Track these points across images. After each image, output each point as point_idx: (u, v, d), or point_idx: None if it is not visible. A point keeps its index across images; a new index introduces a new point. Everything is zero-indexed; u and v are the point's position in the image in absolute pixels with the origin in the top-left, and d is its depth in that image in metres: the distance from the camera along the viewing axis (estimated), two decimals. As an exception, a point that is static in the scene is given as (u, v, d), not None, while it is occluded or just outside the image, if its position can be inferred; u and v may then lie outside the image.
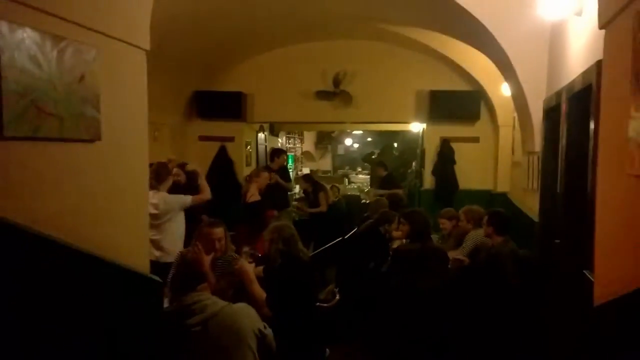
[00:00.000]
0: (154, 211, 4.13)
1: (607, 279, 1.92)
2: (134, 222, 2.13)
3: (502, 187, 6.43)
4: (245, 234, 5.40)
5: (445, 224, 4.89)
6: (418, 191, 7.42)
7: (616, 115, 1.89)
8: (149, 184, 4.06)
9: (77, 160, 1.78)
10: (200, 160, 7.17)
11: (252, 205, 5.58)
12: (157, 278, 2.19)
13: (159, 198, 4.07)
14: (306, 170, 11.49)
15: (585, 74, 2.47)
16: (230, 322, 2.29)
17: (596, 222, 2.02)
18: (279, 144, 10.45)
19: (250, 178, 6.00)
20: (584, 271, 2.23)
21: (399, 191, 6.74)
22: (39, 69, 1.51)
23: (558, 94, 3.22)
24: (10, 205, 1.46)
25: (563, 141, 3.02)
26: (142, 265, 2.14)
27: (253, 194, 5.63)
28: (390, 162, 9.10)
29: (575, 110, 2.73)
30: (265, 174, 5.93)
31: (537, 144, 4.02)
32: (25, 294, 1.52)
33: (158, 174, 4.13)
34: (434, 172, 6.98)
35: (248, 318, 2.38)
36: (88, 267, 1.79)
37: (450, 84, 6.68)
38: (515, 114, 5.09)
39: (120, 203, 2.02)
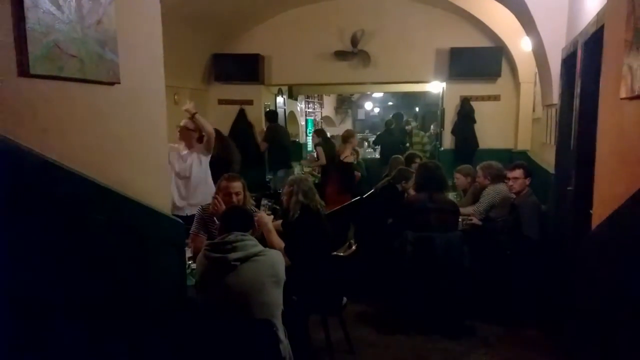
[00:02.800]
0: (187, 171, 4.34)
1: (603, 202, 2.03)
2: (153, 164, 2.25)
3: (523, 145, 6.37)
4: (335, 190, 5.92)
5: (460, 180, 4.92)
6: (437, 151, 7.41)
7: (615, 49, 1.95)
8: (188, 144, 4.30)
9: (98, 102, 1.89)
10: (220, 124, 7.28)
11: (347, 165, 6.16)
12: (179, 219, 2.32)
13: (194, 158, 4.37)
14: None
15: (599, 15, 2.43)
16: (269, 264, 2.49)
17: (596, 150, 2.09)
18: (298, 108, 10.48)
19: (345, 139, 6.41)
20: (590, 210, 2.31)
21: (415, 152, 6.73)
22: (59, 10, 1.60)
23: (574, 42, 3.16)
24: (39, 140, 1.57)
25: (577, 90, 2.99)
26: (163, 205, 2.27)
27: (347, 155, 6.22)
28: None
29: (590, 55, 2.70)
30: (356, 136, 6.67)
31: (555, 95, 3.97)
32: (50, 225, 1.65)
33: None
34: (453, 132, 6.94)
35: (282, 264, 2.58)
36: (113, 203, 1.92)
37: (471, 40, 6.56)
38: (537, 70, 5.01)
39: (140, 145, 2.13)
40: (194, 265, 2.99)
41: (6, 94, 1.49)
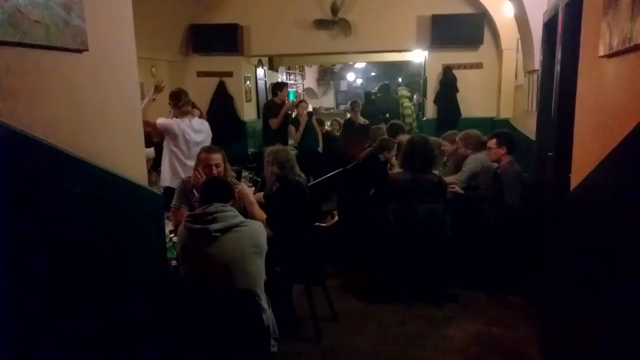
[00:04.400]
0: (199, 138, 4.32)
1: (581, 164, 2.06)
2: (127, 134, 2.19)
3: (505, 112, 6.39)
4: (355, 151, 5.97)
5: (447, 147, 4.92)
6: (420, 121, 7.39)
7: (595, 8, 1.97)
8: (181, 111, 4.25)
9: (66, 70, 1.81)
10: (199, 97, 7.16)
11: (365, 128, 6.65)
12: (156, 190, 2.28)
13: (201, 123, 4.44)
14: (309, 108, 11.40)
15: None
16: (250, 235, 2.48)
17: (575, 112, 2.11)
18: (279, 80, 10.32)
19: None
20: (569, 174, 2.33)
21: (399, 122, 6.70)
22: (19, -27, 1.51)
23: (556, 5, 3.13)
24: (6, 110, 1.50)
25: (558, 55, 2.98)
26: (138, 177, 2.22)
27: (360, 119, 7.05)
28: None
29: (571, 18, 2.67)
30: None
31: (537, 61, 3.96)
32: (21, 199, 1.60)
33: (180, 98, 4.34)
34: (436, 101, 6.92)
35: (263, 235, 2.57)
36: (87, 175, 1.86)
37: (453, 7, 6.46)
38: (519, 36, 4.97)
39: (112, 114, 2.06)
40: (175, 239, 2.96)
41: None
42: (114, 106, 2.07)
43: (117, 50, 2.10)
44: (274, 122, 6.48)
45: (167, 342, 2.36)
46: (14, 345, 1.58)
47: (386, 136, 5.26)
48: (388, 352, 3.15)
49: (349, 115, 8.37)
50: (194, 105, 4.94)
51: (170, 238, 3.02)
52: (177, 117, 4.33)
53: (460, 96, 6.71)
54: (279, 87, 6.89)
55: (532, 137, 4.33)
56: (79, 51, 1.83)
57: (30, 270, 1.63)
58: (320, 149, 6.82)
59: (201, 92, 7.10)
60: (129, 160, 2.17)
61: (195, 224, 2.45)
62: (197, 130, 4.41)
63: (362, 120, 7.21)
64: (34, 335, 1.65)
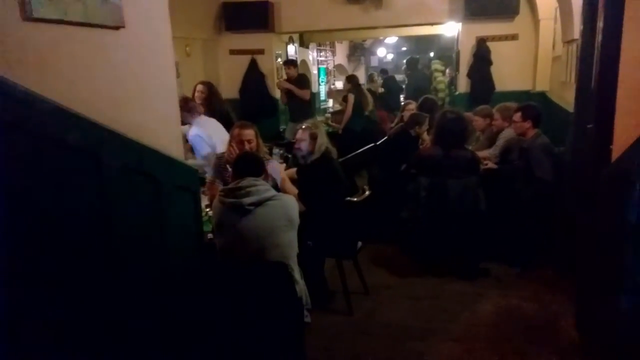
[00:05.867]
0: None
1: (624, 135, 1.99)
2: (164, 110, 2.25)
3: (541, 85, 6.17)
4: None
5: (479, 122, 4.82)
6: (452, 96, 7.24)
7: None
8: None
9: (105, 47, 1.87)
10: (232, 75, 7.23)
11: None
12: (192, 166, 2.35)
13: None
14: (339, 84, 11.32)
15: None
16: (282, 208, 2.54)
17: (619, 80, 2.03)
18: (310, 57, 10.26)
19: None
20: (611, 146, 2.26)
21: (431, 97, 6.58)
22: (58, -48, 1.56)
23: (599, -31, 2.97)
24: (48, 87, 1.57)
25: (600, 23, 2.84)
26: (175, 152, 2.29)
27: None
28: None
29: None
30: None
31: (577, 30, 3.79)
32: (64, 173, 1.68)
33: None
34: (469, 75, 6.74)
35: (295, 208, 2.62)
36: (127, 150, 1.94)
37: (488, -24, 6.22)
38: (557, 4, 4.77)
39: (149, 90, 2.12)
40: (211, 213, 3.05)
41: (12, 39, 1.48)
42: (150, 82, 2.13)
43: (153, 27, 2.14)
44: (306, 93, 6.49)
45: (203, 312, 2.45)
46: (57, 309, 1.69)
47: (417, 112, 5.19)
48: (419, 326, 3.18)
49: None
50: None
51: (206, 212, 3.11)
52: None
53: (494, 69, 6.51)
54: (285, 64, 6.85)
55: (570, 109, 4.19)
56: (116, 28, 1.88)
57: (74, 242, 1.72)
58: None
59: (233, 70, 7.16)
60: (165, 136, 2.23)
61: (229, 197, 2.52)
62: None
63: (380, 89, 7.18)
64: (77, 301, 1.75)
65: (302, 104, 6.51)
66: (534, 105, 4.15)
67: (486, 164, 4.25)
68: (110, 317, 1.87)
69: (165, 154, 2.17)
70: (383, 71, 9.00)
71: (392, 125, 5.72)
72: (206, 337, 2.45)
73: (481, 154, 4.41)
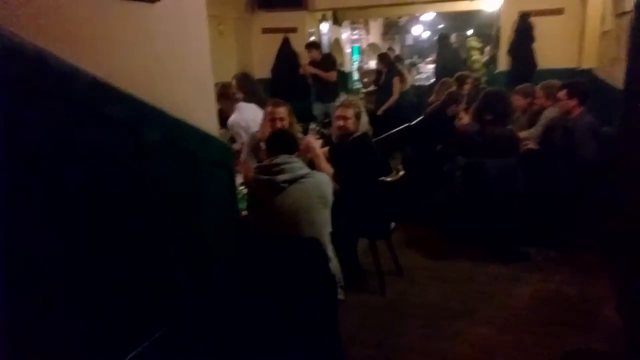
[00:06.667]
0: None
1: None
2: (199, 85, 2.25)
3: (588, 62, 5.87)
4: None
5: (519, 101, 4.65)
6: (491, 74, 7.00)
7: None
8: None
9: (141, 20, 1.87)
10: (264, 54, 7.20)
11: None
12: (227, 142, 2.35)
13: None
14: (372, 64, 11.13)
15: None
16: (315, 185, 2.52)
17: None
18: (343, 36, 10.11)
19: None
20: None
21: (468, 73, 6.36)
22: None
23: None
24: (88, 60, 1.59)
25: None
26: (211, 128, 2.30)
27: None
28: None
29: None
30: None
31: (630, 1, 3.56)
32: (104, 148, 1.70)
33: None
34: (510, 52, 6.49)
35: (328, 186, 2.60)
36: (164, 124, 1.95)
37: (532, -53, 5.94)
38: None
39: (185, 66, 2.12)
40: (245, 191, 3.07)
41: (49, 11, 1.50)
42: (185, 57, 2.13)
43: (187, 1, 2.14)
44: (332, 75, 6.40)
45: (237, 289, 2.48)
46: (96, 278, 1.73)
47: (454, 90, 5.05)
48: (453, 307, 3.14)
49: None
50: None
51: (240, 190, 3.13)
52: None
53: (536, 46, 6.24)
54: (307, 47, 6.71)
55: (619, 87, 3.97)
56: (152, 1, 1.88)
57: (114, 213, 1.75)
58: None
59: (266, 50, 7.13)
60: (200, 111, 2.24)
61: (263, 174, 2.52)
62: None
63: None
64: (116, 271, 1.79)
65: (328, 85, 6.45)
66: (581, 82, 3.97)
67: (526, 144, 4.10)
68: (146, 287, 1.92)
69: (201, 129, 2.18)
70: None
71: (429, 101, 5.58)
72: (241, 312, 2.48)
73: (522, 134, 4.26)
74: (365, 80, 8.60)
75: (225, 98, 4.06)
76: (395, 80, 6.52)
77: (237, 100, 4.16)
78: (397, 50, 14.51)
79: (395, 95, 6.53)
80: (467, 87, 5.29)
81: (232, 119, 4.08)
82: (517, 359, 2.61)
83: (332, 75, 6.40)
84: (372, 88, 7.93)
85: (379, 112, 6.54)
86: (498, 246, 3.83)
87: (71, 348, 1.68)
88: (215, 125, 2.42)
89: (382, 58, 6.96)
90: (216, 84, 2.99)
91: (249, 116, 4.05)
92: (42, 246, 1.52)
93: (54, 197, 1.52)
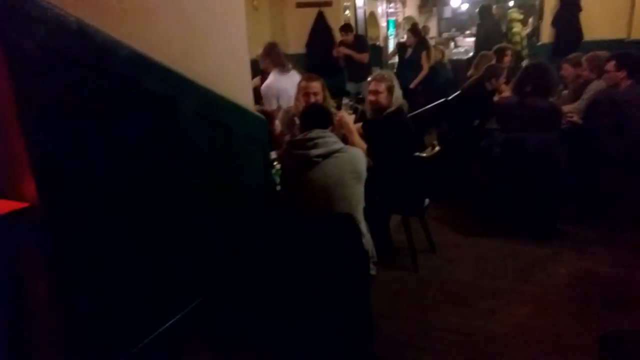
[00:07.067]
0: None
1: None
2: (235, 59, 2.25)
3: (639, 32, 5.55)
4: None
5: (568, 70, 4.45)
6: (533, 46, 6.71)
7: None
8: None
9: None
10: (298, 29, 7.13)
11: None
12: (262, 116, 2.36)
13: None
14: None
15: None
16: (349, 160, 2.51)
17: None
18: (379, 9, 9.88)
19: None
20: None
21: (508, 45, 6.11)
22: None
23: None
24: (125, 31, 1.61)
25: None
26: (246, 102, 2.31)
27: None
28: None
29: None
30: None
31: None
32: (141, 118, 1.73)
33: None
34: (554, 23, 6.21)
35: (362, 161, 2.58)
36: (200, 97, 1.97)
37: None
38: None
39: (220, 37, 2.13)
40: (279, 166, 3.09)
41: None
42: (220, 29, 2.13)
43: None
44: (365, 56, 6.31)
45: (271, 263, 2.52)
46: (135, 246, 1.79)
47: (493, 63, 4.88)
48: (487, 285, 3.09)
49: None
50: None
51: (274, 165, 3.15)
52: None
53: (583, 15, 5.94)
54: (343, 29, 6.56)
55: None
56: (189, -25, 1.88)
57: (152, 183, 1.80)
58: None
59: (300, 24, 7.06)
60: (235, 84, 2.25)
61: (296, 149, 2.52)
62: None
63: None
64: (153, 237, 1.84)
65: (361, 65, 6.35)
66: (631, 53, 3.76)
67: (571, 117, 3.95)
68: (182, 259, 1.97)
69: (235, 102, 2.19)
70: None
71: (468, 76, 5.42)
72: (274, 285, 2.52)
73: (565, 108, 4.10)
74: (389, 53, 8.36)
75: (269, 57, 4.11)
76: (424, 55, 6.36)
77: (279, 64, 4.18)
78: (435, 24, 14.11)
79: (425, 70, 6.37)
80: (507, 60, 5.10)
81: (267, 83, 4.08)
82: (554, 339, 2.56)
83: (365, 57, 6.33)
84: (394, 61, 7.70)
85: (412, 85, 6.41)
86: (536, 224, 3.73)
87: (112, 315, 1.76)
88: (250, 99, 2.42)
89: (413, 30, 6.77)
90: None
91: (283, 85, 4.04)
92: (83, 217, 1.58)
93: (92, 169, 1.57)
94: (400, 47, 6.84)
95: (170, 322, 1.95)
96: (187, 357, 2.15)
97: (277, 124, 3.50)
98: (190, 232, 1.99)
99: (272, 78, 4.14)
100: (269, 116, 3.29)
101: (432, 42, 7.99)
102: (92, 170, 1.57)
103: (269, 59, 4.26)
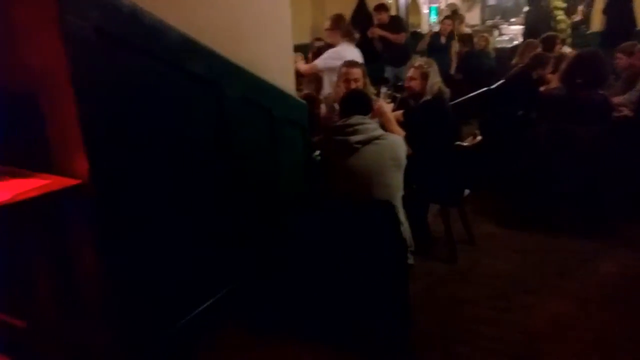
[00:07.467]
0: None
1: None
2: (278, 44, 2.26)
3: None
4: None
5: (622, 60, 4.24)
6: (582, 35, 6.43)
7: None
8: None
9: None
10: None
11: None
12: (303, 101, 2.37)
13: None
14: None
15: None
16: (390, 147, 2.50)
17: None
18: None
19: None
20: None
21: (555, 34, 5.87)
22: None
23: None
24: (175, 15, 1.64)
25: None
26: (288, 87, 2.32)
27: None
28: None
29: None
30: None
31: None
32: (188, 101, 1.76)
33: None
34: (605, 11, 5.92)
35: (402, 149, 2.57)
36: (245, 82, 1.99)
37: None
38: None
39: (265, 22, 2.14)
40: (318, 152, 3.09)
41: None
42: (265, 15, 2.15)
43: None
44: (401, 37, 6.18)
45: (309, 247, 2.53)
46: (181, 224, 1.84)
47: (540, 51, 4.71)
48: (529, 280, 3.01)
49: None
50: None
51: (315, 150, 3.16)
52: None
53: (637, 2, 5.63)
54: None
55: None
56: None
57: (198, 163, 1.84)
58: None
59: (341, 10, 6.95)
60: (279, 70, 2.26)
61: (336, 135, 2.51)
62: None
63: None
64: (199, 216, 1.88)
65: (398, 48, 6.21)
66: None
67: (621, 111, 3.77)
68: (223, 237, 2.01)
69: (278, 87, 2.20)
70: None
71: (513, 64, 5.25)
72: (314, 271, 2.54)
73: (615, 100, 3.92)
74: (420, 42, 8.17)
75: (336, 29, 4.10)
76: (453, 43, 6.19)
77: (346, 38, 4.16)
78: (478, 11, 13.70)
79: (455, 59, 6.22)
80: (557, 49, 4.91)
81: (336, 51, 4.08)
82: (597, 337, 2.48)
83: (401, 37, 6.16)
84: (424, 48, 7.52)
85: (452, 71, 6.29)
86: (582, 218, 3.60)
87: (157, 290, 1.82)
88: (292, 83, 2.43)
89: (449, 18, 6.62)
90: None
91: (350, 56, 3.99)
92: (131, 195, 1.64)
93: (140, 149, 1.61)
94: (434, 36, 6.70)
95: (211, 301, 2.00)
96: (225, 338, 2.20)
97: (323, 108, 3.50)
98: (231, 215, 2.03)
99: (340, 49, 4.10)
100: (315, 100, 3.28)
101: (467, 30, 7.81)
102: (140, 150, 1.62)
103: (338, 31, 4.19)
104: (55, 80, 1.43)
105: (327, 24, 4.24)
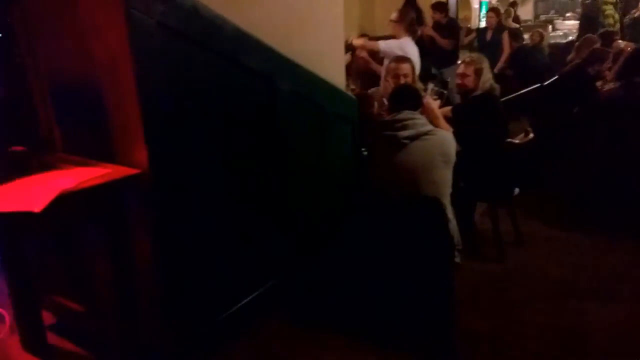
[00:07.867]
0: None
1: None
2: (330, 39, 2.28)
3: None
4: None
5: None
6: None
7: None
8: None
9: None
10: (387, 12, 6.95)
11: None
12: (353, 96, 2.37)
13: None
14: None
15: None
16: (439, 143, 2.48)
17: None
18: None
19: None
20: None
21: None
22: None
23: None
24: (232, 9, 1.68)
25: None
26: (338, 82, 2.32)
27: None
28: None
29: None
30: None
31: None
32: (240, 95, 1.80)
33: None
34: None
35: (452, 145, 2.54)
36: (296, 76, 2.02)
37: None
38: None
39: (317, 18, 2.15)
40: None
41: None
42: (318, 10, 2.17)
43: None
44: (446, 43, 6.02)
45: (356, 242, 2.53)
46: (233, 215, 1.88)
47: (598, 47, 4.51)
48: (580, 284, 2.89)
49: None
50: None
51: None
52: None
53: None
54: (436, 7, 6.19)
55: None
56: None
57: (249, 161, 1.88)
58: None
59: (390, 5, 6.87)
60: (329, 64, 2.27)
61: (385, 130, 2.50)
62: None
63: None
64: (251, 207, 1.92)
65: (444, 52, 6.06)
66: None
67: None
68: (273, 232, 2.05)
69: (328, 81, 2.22)
70: None
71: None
72: (360, 268, 2.54)
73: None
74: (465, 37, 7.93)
75: (404, 22, 4.09)
76: (505, 36, 5.99)
77: (410, 32, 4.14)
78: (531, 6, 13.24)
79: (505, 53, 6.01)
80: (615, 45, 4.68)
81: (396, 41, 4.07)
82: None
83: (446, 44, 6.01)
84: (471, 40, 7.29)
85: (495, 70, 6.08)
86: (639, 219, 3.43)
87: (206, 281, 1.88)
88: (342, 79, 2.44)
89: (494, 11, 6.41)
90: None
91: (411, 51, 4.00)
92: (187, 186, 1.69)
93: (196, 141, 1.66)
94: (481, 31, 6.51)
95: (254, 295, 2.04)
96: (267, 333, 2.23)
97: (377, 105, 3.48)
98: (280, 208, 2.06)
99: (404, 41, 4.08)
100: (368, 98, 3.28)
101: (515, 25, 7.54)
102: (195, 141, 1.67)
103: (403, 24, 4.15)
104: (119, 72, 1.50)
105: (394, 15, 4.20)
